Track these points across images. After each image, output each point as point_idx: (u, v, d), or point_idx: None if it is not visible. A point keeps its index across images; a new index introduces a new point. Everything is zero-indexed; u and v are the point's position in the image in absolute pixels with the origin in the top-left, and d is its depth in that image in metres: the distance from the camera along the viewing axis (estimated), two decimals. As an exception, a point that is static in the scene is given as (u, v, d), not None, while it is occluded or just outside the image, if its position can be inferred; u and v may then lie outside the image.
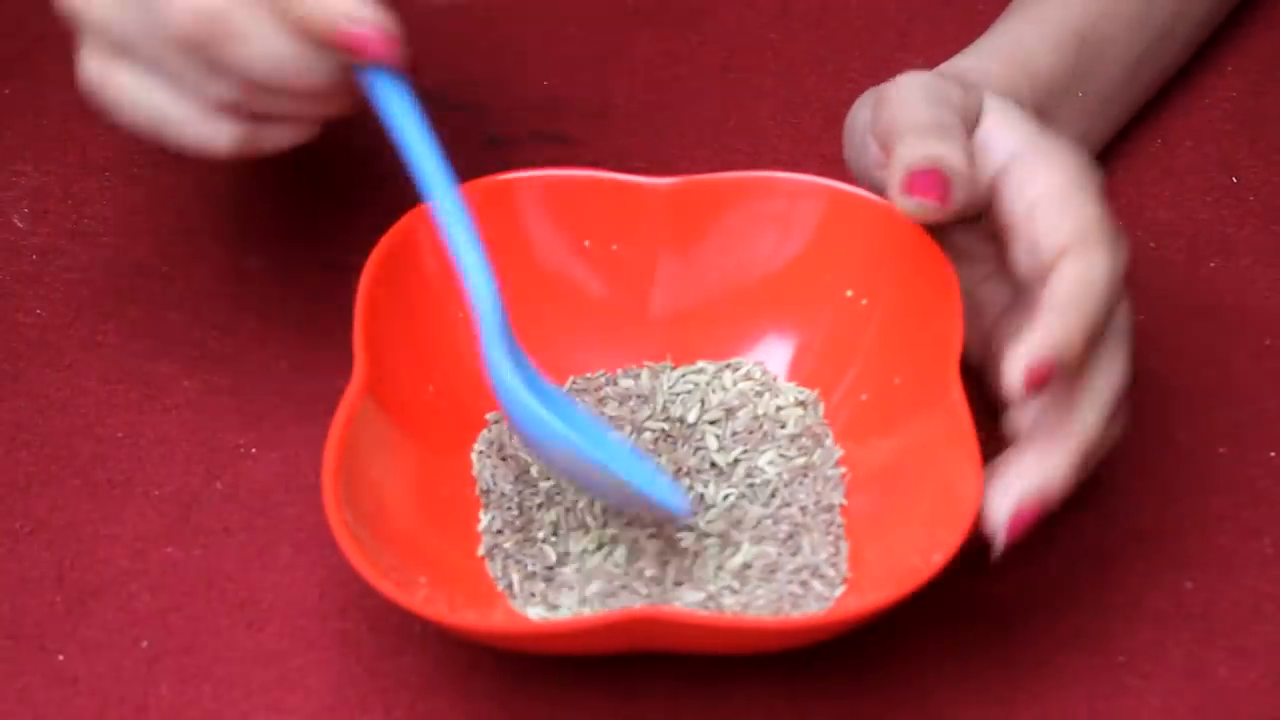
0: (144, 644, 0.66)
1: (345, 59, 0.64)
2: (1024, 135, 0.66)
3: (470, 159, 0.81)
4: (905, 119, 0.66)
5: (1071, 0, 0.75)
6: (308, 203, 0.73)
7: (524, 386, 0.65)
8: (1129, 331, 0.65)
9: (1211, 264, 0.77)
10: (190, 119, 0.66)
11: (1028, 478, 0.63)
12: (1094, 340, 0.63)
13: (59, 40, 0.70)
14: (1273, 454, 0.71)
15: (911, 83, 0.67)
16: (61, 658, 0.66)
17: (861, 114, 0.71)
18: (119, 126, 0.66)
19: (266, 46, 0.63)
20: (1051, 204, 0.64)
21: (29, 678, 0.66)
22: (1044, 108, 0.72)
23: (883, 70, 0.84)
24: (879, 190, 0.69)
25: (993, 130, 0.67)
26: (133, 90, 0.66)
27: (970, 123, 0.67)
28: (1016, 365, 0.62)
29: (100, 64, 0.66)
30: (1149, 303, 0.73)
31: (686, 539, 0.67)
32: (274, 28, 0.64)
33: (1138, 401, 0.66)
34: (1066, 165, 0.65)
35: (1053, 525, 0.69)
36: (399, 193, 0.79)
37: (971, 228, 0.67)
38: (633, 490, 0.65)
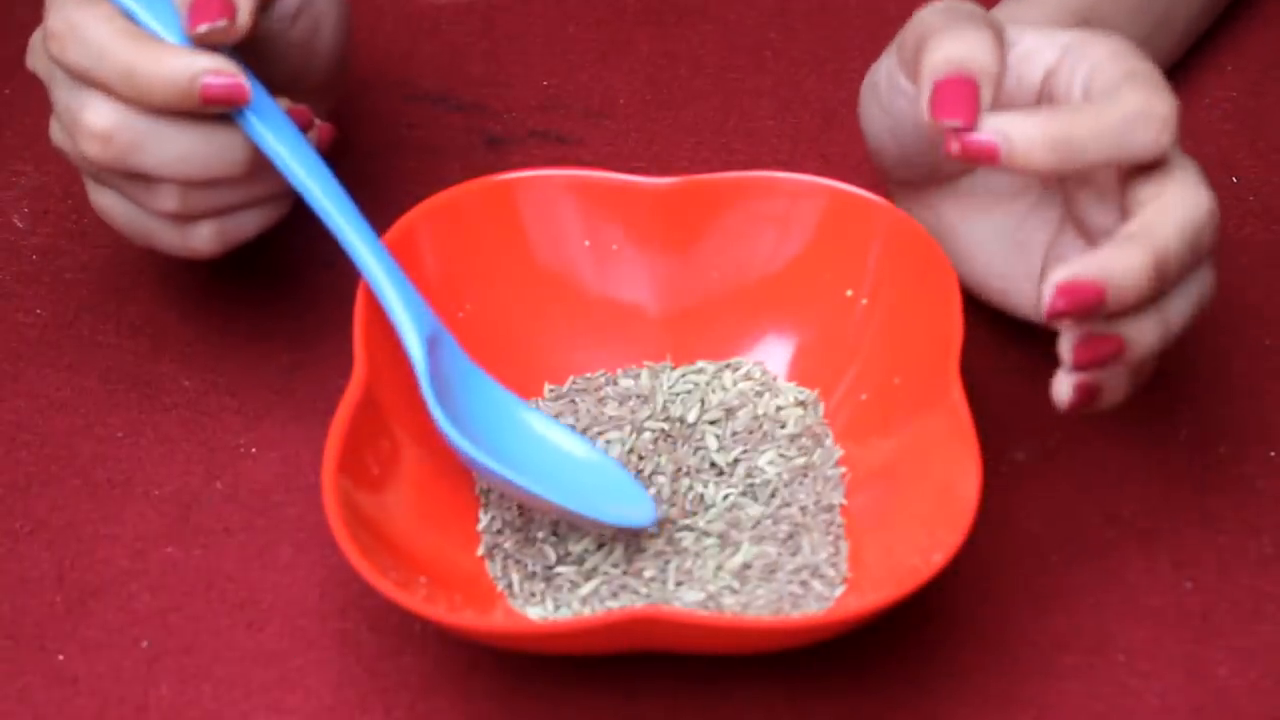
0: (144, 644, 0.66)
1: (215, 111, 0.66)
2: (1072, 33, 0.65)
3: (470, 159, 0.81)
4: (931, 29, 0.64)
5: None
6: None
7: (454, 430, 0.65)
8: (1200, 176, 0.63)
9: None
10: (164, 231, 0.68)
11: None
12: (1164, 280, 0.61)
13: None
14: (1273, 454, 0.71)
15: (932, 6, 0.66)
16: (61, 658, 0.66)
17: (882, 67, 0.70)
18: None
19: (167, 146, 0.66)
20: (1105, 62, 0.63)
21: (29, 678, 0.66)
22: None
23: (883, 70, 0.84)
24: (910, 133, 0.68)
25: (1036, 38, 0.65)
26: (115, 210, 0.69)
27: (995, 30, 0.65)
28: (1052, 279, 0.60)
29: (90, 188, 0.69)
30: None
31: (686, 539, 0.67)
32: (168, 126, 0.66)
33: (1140, 401, 0.66)
34: (1122, 41, 0.64)
35: (1056, 517, 0.69)
36: (399, 192, 0.79)
37: None
38: (585, 519, 0.65)
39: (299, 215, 0.70)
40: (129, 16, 0.66)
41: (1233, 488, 0.70)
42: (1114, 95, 0.62)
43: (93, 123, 0.66)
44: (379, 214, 0.71)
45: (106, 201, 0.69)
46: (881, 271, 0.70)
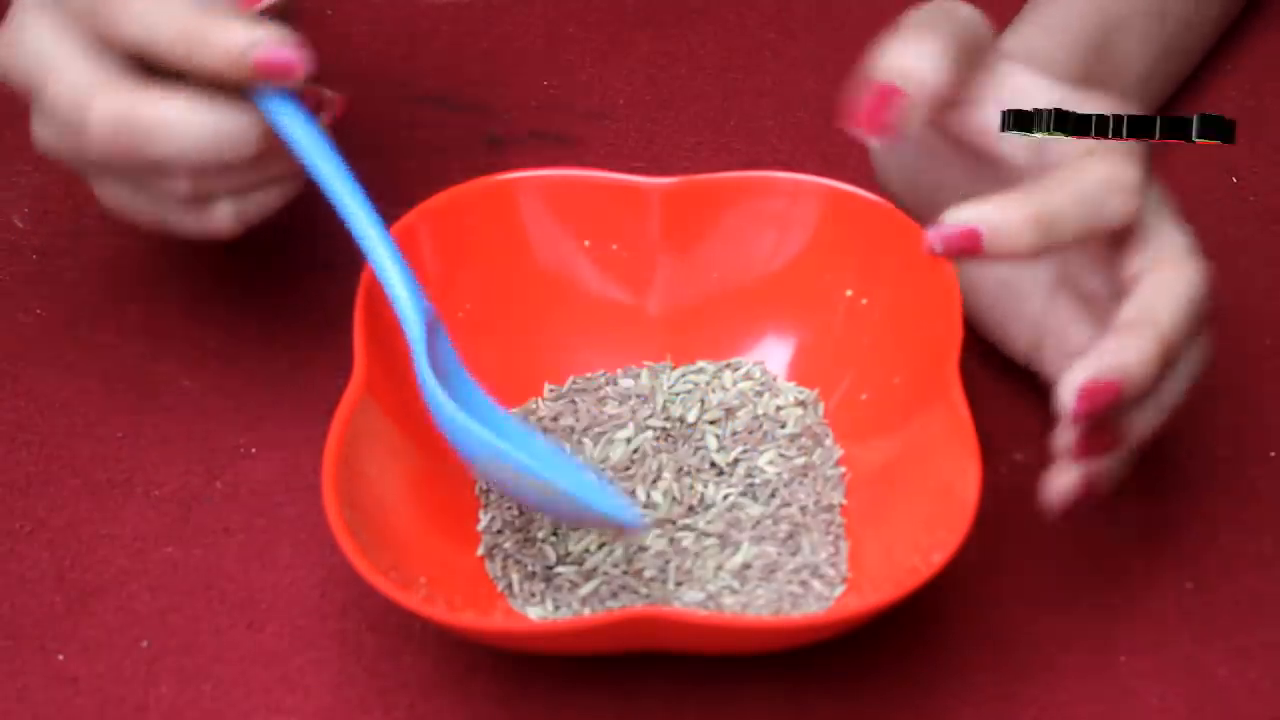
0: (144, 644, 0.66)
1: (265, 86, 0.64)
2: (1065, 91, 0.64)
3: (470, 159, 0.81)
4: (896, 33, 0.64)
5: (1085, 11, 0.74)
6: (307, 202, 0.73)
7: (451, 403, 0.64)
8: (1192, 246, 0.63)
9: (1212, 264, 0.77)
10: (180, 216, 0.67)
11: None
12: (1170, 364, 0.61)
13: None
14: (1273, 454, 0.71)
15: (921, 7, 0.65)
16: (61, 658, 0.66)
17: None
18: None
19: (180, 131, 0.64)
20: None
21: (29, 678, 0.66)
22: None
23: (883, 70, 0.84)
24: (910, 164, 0.69)
25: (1030, 81, 0.64)
26: (125, 200, 0.68)
27: (973, 41, 0.64)
28: (1072, 381, 0.60)
29: (95, 183, 0.68)
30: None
31: (686, 539, 0.67)
32: (182, 107, 0.64)
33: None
34: (1112, 105, 0.64)
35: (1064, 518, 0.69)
36: (399, 192, 0.79)
37: None
38: (579, 504, 0.64)
39: (298, 215, 0.70)
40: None
41: (1233, 488, 0.70)
42: (1079, 166, 0.62)
43: (101, 117, 0.64)
44: (379, 215, 0.71)
45: (114, 192, 0.68)
46: (881, 271, 0.70)
